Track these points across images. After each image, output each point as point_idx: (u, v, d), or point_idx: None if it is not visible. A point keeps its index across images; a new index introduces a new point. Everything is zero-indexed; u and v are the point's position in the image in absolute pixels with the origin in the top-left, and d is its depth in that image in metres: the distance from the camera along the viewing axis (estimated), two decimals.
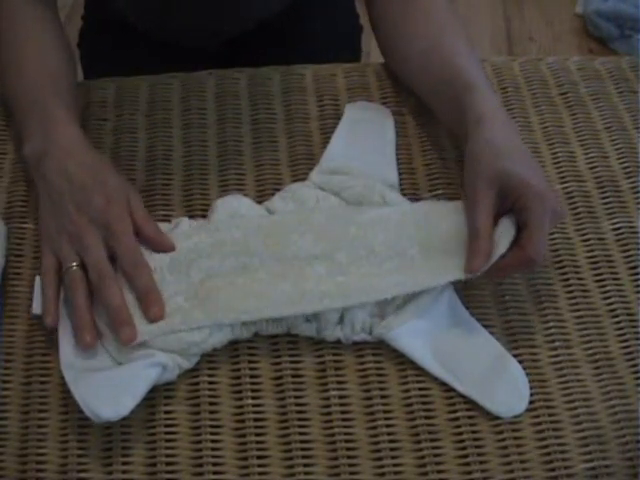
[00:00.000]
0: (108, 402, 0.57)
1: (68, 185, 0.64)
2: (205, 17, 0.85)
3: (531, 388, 0.62)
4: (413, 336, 0.62)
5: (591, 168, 0.75)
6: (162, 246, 0.64)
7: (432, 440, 0.59)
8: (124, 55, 0.96)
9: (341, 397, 0.61)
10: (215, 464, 0.58)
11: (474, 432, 0.60)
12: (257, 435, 0.60)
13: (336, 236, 0.65)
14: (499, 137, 0.65)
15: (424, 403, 0.61)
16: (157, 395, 0.61)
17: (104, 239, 0.62)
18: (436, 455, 0.59)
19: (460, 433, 0.60)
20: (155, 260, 0.64)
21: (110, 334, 0.61)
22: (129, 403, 0.57)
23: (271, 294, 0.62)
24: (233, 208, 0.68)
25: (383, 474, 0.58)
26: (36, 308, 0.63)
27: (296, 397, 0.61)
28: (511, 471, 0.58)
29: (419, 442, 0.59)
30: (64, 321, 0.62)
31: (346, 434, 0.60)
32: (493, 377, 0.62)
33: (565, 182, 0.74)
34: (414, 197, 0.71)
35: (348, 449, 0.59)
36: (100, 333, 0.61)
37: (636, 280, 0.68)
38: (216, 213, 0.68)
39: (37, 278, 0.64)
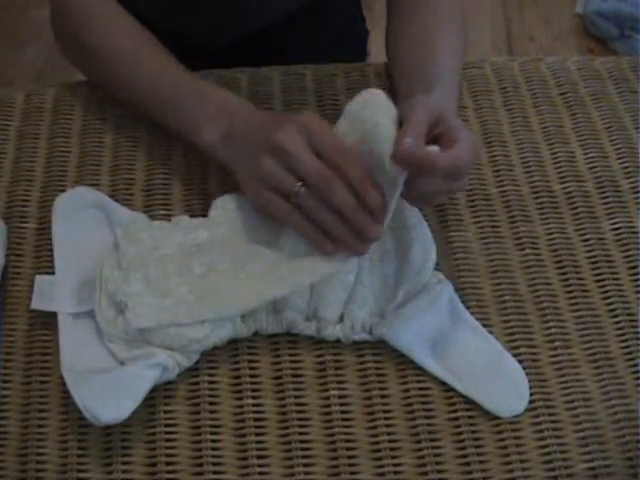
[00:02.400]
0: (108, 405, 0.57)
1: (262, 122, 0.63)
2: (215, 17, 0.86)
3: (531, 388, 0.62)
4: (413, 335, 0.63)
5: (591, 168, 0.75)
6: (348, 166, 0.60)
7: (432, 440, 0.60)
8: None
9: (341, 397, 0.61)
10: (215, 464, 0.58)
11: (474, 432, 0.60)
12: (257, 435, 0.60)
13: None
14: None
15: (424, 403, 0.61)
16: (157, 395, 0.61)
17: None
18: (436, 455, 0.59)
19: (460, 433, 0.60)
20: (159, 250, 0.64)
21: (109, 328, 0.61)
22: (129, 405, 0.57)
23: (269, 283, 0.62)
24: (233, 206, 0.68)
25: (383, 474, 0.58)
26: (36, 303, 0.63)
27: (296, 397, 0.61)
28: (511, 471, 0.58)
29: (419, 442, 0.59)
30: (66, 322, 0.62)
31: (346, 434, 0.60)
32: (493, 377, 0.62)
33: (565, 182, 0.74)
34: None
35: (348, 449, 0.59)
36: (100, 331, 0.62)
37: (636, 280, 0.68)
38: (215, 210, 0.68)
39: (37, 277, 0.64)
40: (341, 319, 0.63)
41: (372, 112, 0.61)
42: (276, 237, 0.65)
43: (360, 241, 0.60)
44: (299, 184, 0.59)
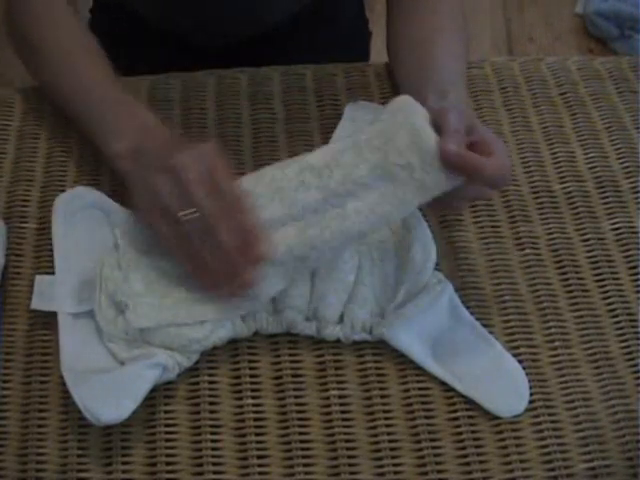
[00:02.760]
0: (108, 405, 0.57)
1: (161, 143, 0.64)
2: (217, 17, 0.86)
3: (531, 388, 0.62)
4: (413, 335, 0.63)
5: (591, 168, 0.75)
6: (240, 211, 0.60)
7: (432, 440, 0.60)
8: (133, 50, 0.96)
9: (341, 397, 0.61)
10: (215, 464, 0.58)
11: (474, 432, 0.60)
12: (257, 435, 0.60)
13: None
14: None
15: (424, 403, 0.61)
16: (157, 395, 0.61)
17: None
18: (436, 455, 0.59)
19: (460, 433, 0.60)
20: (159, 250, 0.64)
21: (109, 327, 0.61)
22: (130, 406, 0.57)
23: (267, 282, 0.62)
24: None
25: (383, 474, 0.58)
26: (35, 303, 0.63)
27: (296, 397, 0.61)
28: (511, 471, 0.58)
29: (419, 442, 0.59)
30: (66, 322, 0.62)
31: (346, 434, 0.60)
32: (493, 377, 0.62)
33: (565, 182, 0.74)
34: None
35: (348, 449, 0.59)
36: (100, 331, 0.62)
37: (636, 280, 0.68)
38: None
39: (37, 277, 0.64)
40: (341, 319, 0.63)
41: (405, 115, 0.60)
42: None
43: (235, 284, 0.60)
44: (186, 212, 0.59)
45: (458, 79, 0.71)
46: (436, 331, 0.63)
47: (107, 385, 0.58)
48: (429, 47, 0.74)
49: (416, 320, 0.63)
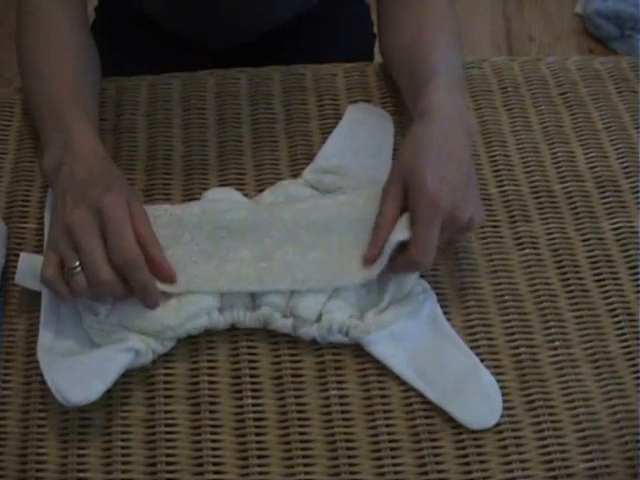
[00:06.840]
0: (77, 386, 0.57)
1: (70, 183, 0.63)
2: (222, 17, 0.86)
3: (531, 388, 0.62)
4: (389, 342, 0.62)
5: (591, 168, 0.75)
6: (158, 266, 0.61)
7: (432, 440, 0.60)
8: (134, 50, 0.96)
9: (341, 397, 0.61)
10: (215, 464, 0.58)
11: (474, 432, 0.60)
12: (257, 435, 0.60)
13: (268, 220, 0.65)
14: (430, 133, 0.64)
15: (424, 403, 0.61)
16: (157, 395, 0.61)
17: (100, 228, 0.59)
18: (436, 455, 0.59)
19: (460, 433, 0.60)
20: None
21: (88, 314, 0.61)
22: (99, 387, 0.58)
23: (195, 273, 0.63)
24: (219, 200, 0.68)
25: (383, 474, 0.58)
26: (19, 279, 0.63)
27: (296, 397, 0.61)
28: (511, 471, 0.58)
29: (419, 442, 0.59)
30: (49, 302, 0.62)
31: (346, 434, 0.60)
32: (467, 388, 0.61)
33: (565, 182, 0.74)
34: None
35: (348, 449, 0.59)
36: (79, 313, 0.62)
37: (636, 280, 0.68)
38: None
39: (22, 254, 0.64)
40: (319, 319, 0.63)
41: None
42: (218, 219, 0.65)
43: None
44: (77, 263, 0.59)
45: (439, 66, 0.70)
46: (414, 340, 0.63)
47: (77, 367, 0.59)
48: (419, 48, 0.73)
49: (394, 328, 0.62)
